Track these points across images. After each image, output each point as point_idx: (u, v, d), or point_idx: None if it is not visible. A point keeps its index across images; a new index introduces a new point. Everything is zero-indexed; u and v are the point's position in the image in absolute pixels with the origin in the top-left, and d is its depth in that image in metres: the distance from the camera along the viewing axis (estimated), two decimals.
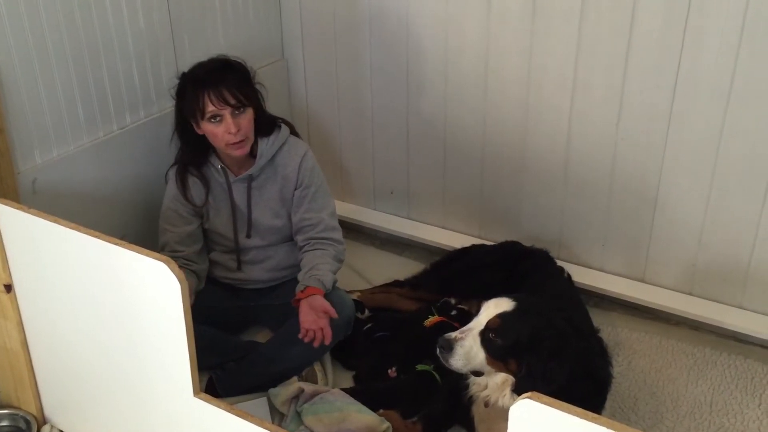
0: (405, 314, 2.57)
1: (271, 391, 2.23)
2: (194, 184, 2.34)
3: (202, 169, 2.34)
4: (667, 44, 2.34)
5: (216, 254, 2.44)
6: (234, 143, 2.21)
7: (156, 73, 2.55)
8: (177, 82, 2.29)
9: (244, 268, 2.43)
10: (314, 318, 2.14)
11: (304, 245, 2.34)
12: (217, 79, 2.18)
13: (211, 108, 2.17)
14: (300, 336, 2.14)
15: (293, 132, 2.40)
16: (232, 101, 2.18)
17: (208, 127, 2.22)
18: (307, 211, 2.34)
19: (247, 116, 2.22)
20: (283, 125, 2.36)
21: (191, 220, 2.35)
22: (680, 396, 2.31)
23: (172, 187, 2.35)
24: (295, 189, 2.34)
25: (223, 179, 2.33)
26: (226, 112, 2.18)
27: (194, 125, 2.25)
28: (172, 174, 2.37)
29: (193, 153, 2.32)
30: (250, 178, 2.33)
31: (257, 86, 2.30)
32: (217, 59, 2.28)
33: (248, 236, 2.39)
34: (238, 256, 2.41)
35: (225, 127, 2.19)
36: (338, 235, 2.37)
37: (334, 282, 2.28)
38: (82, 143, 2.37)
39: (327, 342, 2.15)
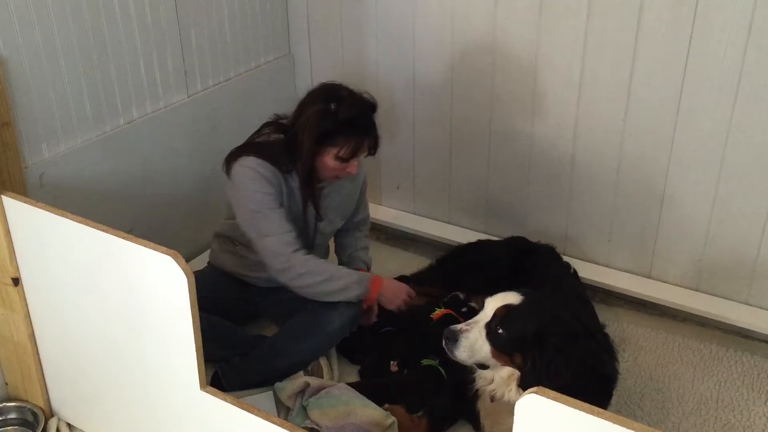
0: (411, 309, 2.57)
1: (277, 385, 2.24)
2: (288, 192, 2.28)
3: (293, 174, 2.27)
4: (675, 39, 2.33)
5: (251, 252, 2.36)
6: (341, 177, 2.28)
7: (163, 68, 2.56)
8: (313, 105, 2.18)
9: None
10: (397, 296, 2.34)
11: (351, 238, 2.56)
12: (370, 127, 2.21)
13: (364, 155, 2.22)
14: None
15: None
16: (375, 150, 2.25)
17: (330, 162, 2.20)
18: (363, 210, 2.58)
19: None
20: None
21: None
22: (686, 392, 2.31)
23: (256, 188, 2.20)
24: (360, 193, 2.51)
25: (297, 185, 2.29)
26: (363, 157, 2.24)
27: (311, 145, 2.17)
28: (251, 174, 2.19)
29: (294, 163, 2.23)
30: (321, 187, 2.33)
31: None
32: (359, 99, 2.21)
33: (313, 240, 2.39)
34: None
35: (348, 167, 2.22)
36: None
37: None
38: (89, 137, 2.38)
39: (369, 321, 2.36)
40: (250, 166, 2.20)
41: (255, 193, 2.20)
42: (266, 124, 2.35)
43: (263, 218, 2.20)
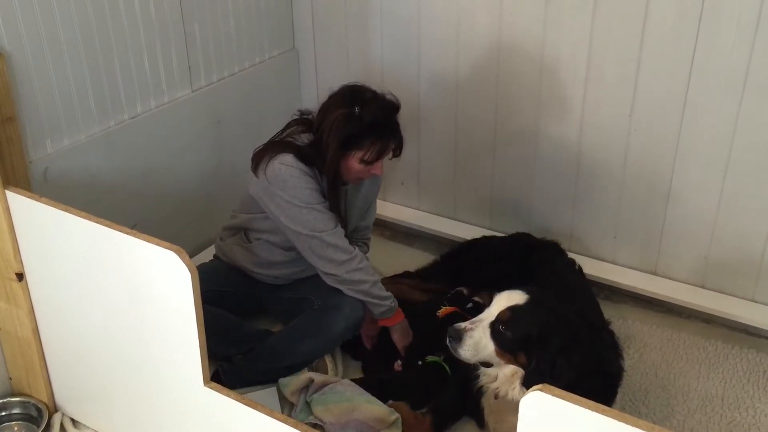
0: (415, 305, 2.57)
1: (281, 381, 2.24)
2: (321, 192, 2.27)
3: (322, 176, 2.25)
4: (681, 34, 2.31)
5: (271, 250, 2.35)
6: (360, 179, 2.27)
7: (167, 63, 2.55)
8: (337, 108, 2.17)
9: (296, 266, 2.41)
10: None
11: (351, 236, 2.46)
12: (394, 130, 2.19)
13: (388, 156, 2.21)
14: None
15: None
16: (400, 151, 2.23)
17: (355, 165, 2.18)
18: (372, 213, 2.54)
19: None
20: None
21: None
22: (691, 389, 2.30)
23: (303, 185, 2.19)
24: (377, 190, 2.49)
25: (324, 183, 2.27)
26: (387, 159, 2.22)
27: (336, 149, 2.15)
28: (296, 173, 2.17)
29: (337, 172, 2.22)
30: (347, 187, 2.32)
31: None
32: (383, 99, 2.20)
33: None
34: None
35: (372, 169, 2.21)
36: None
37: None
38: (93, 133, 2.37)
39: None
40: (291, 164, 2.18)
41: (303, 189, 2.18)
42: (293, 122, 2.32)
43: (316, 213, 2.19)
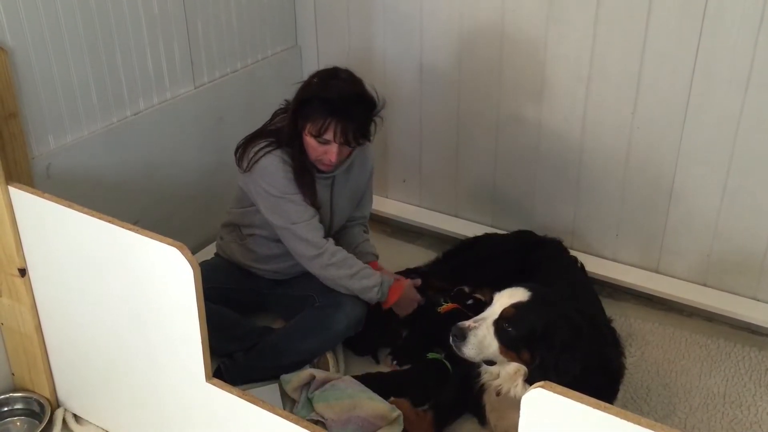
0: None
1: (283, 377, 2.24)
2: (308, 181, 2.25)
3: (307, 165, 2.23)
4: (684, 32, 2.31)
5: (265, 245, 2.36)
6: (325, 164, 2.20)
7: (170, 59, 2.55)
8: (305, 80, 2.20)
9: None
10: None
11: (352, 227, 2.49)
12: (347, 113, 2.10)
13: (328, 136, 2.12)
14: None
15: None
16: (350, 140, 2.14)
17: (310, 141, 2.15)
18: (368, 204, 2.53)
19: (351, 149, 2.20)
20: None
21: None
22: (693, 387, 2.30)
23: (281, 174, 2.18)
24: (367, 180, 2.46)
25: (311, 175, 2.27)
26: (337, 143, 2.14)
27: (297, 124, 2.17)
28: (276, 161, 2.18)
29: (302, 151, 2.20)
30: (333, 177, 2.31)
31: (376, 118, 2.21)
32: (354, 85, 2.16)
33: (330, 230, 2.37)
34: None
35: (327, 152, 2.15)
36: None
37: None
38: (96, 128, 2.38)
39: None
40: (269, 152, 2.19)
41: (280, 178, 2.18)
42: (278, 111, 2.32)
43: (290, 204, 2.18)
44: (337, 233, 2.47)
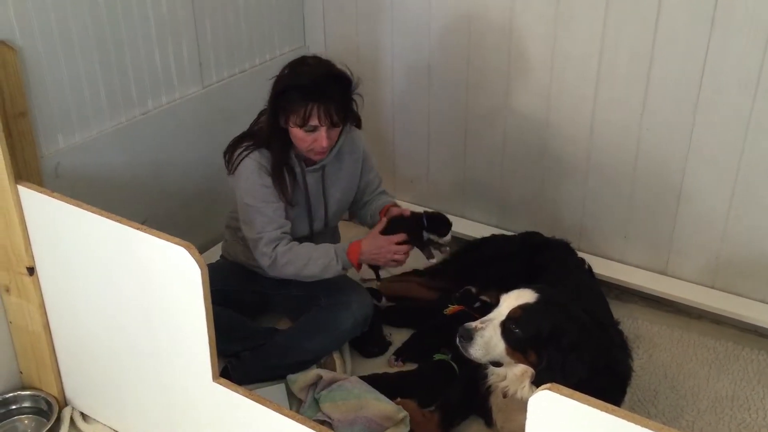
0: (424, 303, 2.57)
1: (290, 377, 2.24)
2: (287, 181, 2.24)
3: (290, 162, 2.25)
4: (694, 32, 2.30)
5: None
6: (318, 152, 2.19)
7: (178, 59, 2.56)
8: (278, 74, 2.18)
9: None
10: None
11: (371, 198, 2.46)
12: (325, 93, 2.09)
13: (314, 122, 2.11)
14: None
15: None
16: (336, 120, 2.12)
17: (298, 133, 2.14)
18: (369, 173, 2.44)
19: (339, 129, 2.19)
20: None
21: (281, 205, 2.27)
22: (701, 390, 2.29)
23: (255, 180, 2.18)
24: (362, 165, 2.40)
25: (299, 169, 2.27)
26: (325, 127, 2.13)
27: (281, 122, 2.17)
28: (252, 166, 2.18)
29: (282, 149, 2.20)
30: (323, 168, 2.30)
31: (355, 97, 2.20)
32: (324, 66, 2.15)
33: (325, 225, 2.36)
34: None
35: (317, 139, 2.13)
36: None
37: None
38: (104, 128, 2.38)
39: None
40: (250, 157, 2.19)
41: (252, 185, 2.18)
42: (262, 111, 2.30)
43: (256, 213, 2.19)
44: (361, 211, 2.47)
